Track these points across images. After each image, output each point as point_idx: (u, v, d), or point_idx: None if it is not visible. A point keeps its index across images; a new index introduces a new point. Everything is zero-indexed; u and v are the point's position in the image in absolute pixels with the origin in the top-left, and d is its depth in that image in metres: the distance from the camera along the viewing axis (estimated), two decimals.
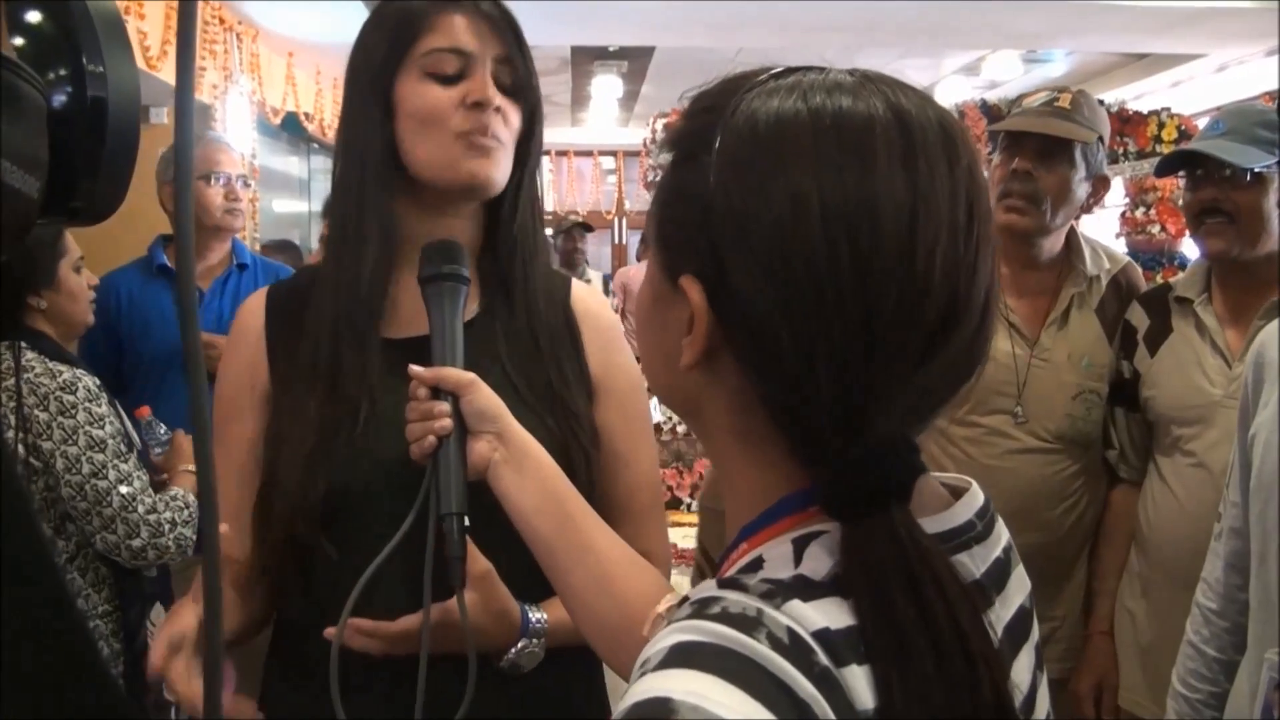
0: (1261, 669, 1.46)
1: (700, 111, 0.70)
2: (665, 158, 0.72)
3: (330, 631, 1.12)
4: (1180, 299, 2.13)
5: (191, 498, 2.31)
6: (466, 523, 1.08)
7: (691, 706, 0.54)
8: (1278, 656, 1.44)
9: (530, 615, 1.19)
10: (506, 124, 1.21)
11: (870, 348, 0.61)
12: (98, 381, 2.22)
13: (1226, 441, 1.97)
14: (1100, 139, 2.20)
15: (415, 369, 1.11)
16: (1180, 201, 2.17)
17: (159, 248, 3.16)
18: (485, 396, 1.11)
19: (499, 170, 1.21)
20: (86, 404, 2.15)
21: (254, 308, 1.30)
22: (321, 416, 1.19)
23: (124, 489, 2.17)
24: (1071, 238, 2.27)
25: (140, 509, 2.18)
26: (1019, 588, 0.74)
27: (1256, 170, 1.96)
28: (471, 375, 1.12)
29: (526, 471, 1.08)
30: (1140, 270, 2.39)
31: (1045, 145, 2.13)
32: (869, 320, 0.61)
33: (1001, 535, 0.74)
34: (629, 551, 1.07)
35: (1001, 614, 0.71)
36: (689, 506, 4.07)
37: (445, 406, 1.09)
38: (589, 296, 1.35)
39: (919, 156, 0.63)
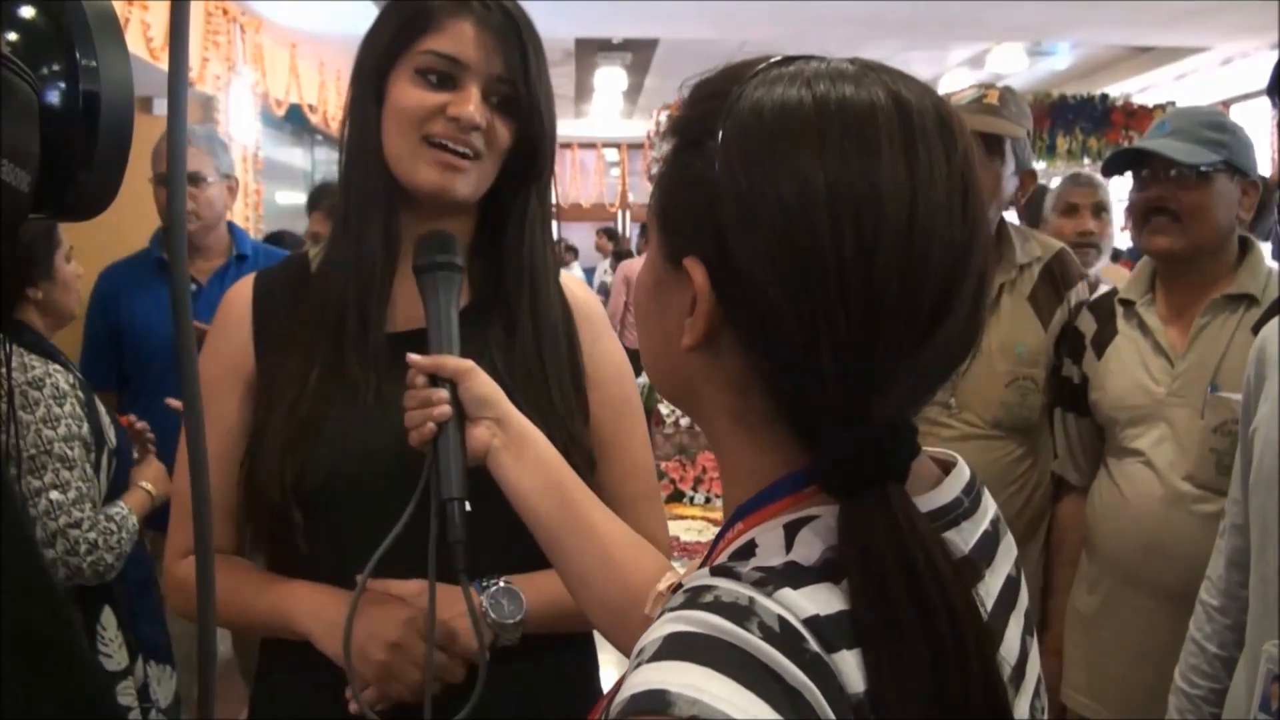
0: (1259, 662, 1.46)
1: (703, 98, 0.70)
2: (667, 144, 0.72)
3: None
4: (1124, 301, 2.15)
5: (133, 520, 2.19)
6: (468, 507, 1.08)
7: (689, 700, 0.55)
8: (1276, 649, 1.44)
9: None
10: (490, 141, 1.19)
11: (872, 329, 0.62)
12: (72, 380, 2.15)
13: (1171, 439, 1.99)
14: (1028, 133, 2.21)
15: (413, 357, 1.12)
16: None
17: (158, 241, 3.12)
18: (483, 383, 1.11)
19: (467, 184, 1.19)
20: (49, 402, 2.07)
21: (240, 293, 1.30)
22: (313, 404, 1.19)
23: (54, 494, 2.03)
24: (1001, 228, 2.28)
25: (62, 520, 2.03)
26: (1006, 556, 0.75)
27: (1202, 169, 1.97)
28: (470, 362, 1.12)
29: (526, 456, 1.09)
30: (1074, 257, 2.39)
31: (977, 141, 2.14)
32: (871, 302, 0.62)
33: (989, 508, 0.76)
34: (629, 532, 1.08)
35: (991, 585, 0.72)
36: (692, 499, 4.06)
37: (444, 393, 1.10)
38: (576, 287, 1.35)
39: (918, 143, 0.64)
